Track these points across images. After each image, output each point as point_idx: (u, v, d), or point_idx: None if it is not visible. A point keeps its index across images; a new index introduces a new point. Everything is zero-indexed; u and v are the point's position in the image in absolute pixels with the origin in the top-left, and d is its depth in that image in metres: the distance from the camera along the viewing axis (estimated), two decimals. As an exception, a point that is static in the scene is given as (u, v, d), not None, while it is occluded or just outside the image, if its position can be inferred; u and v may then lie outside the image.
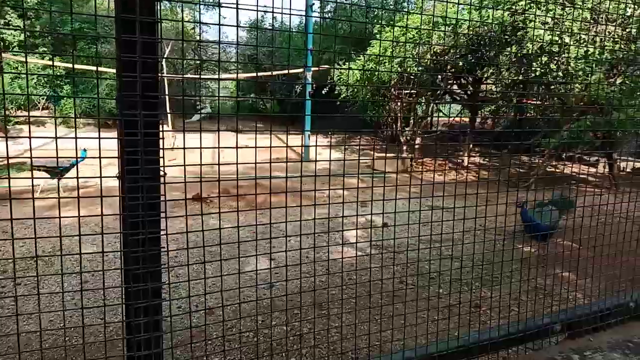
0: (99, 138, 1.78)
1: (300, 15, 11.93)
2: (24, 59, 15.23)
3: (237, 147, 1.95)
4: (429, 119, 14.24)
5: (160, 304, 1.80)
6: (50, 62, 12.79)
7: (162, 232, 1.73)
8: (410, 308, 3.40)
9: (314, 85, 14.44)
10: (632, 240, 3.50)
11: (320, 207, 2.46)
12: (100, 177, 1.56)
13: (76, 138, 1.60)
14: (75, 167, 7.65)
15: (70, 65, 9.85)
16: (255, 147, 2.06)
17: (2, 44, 16.63)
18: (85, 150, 6.83)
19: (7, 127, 15.46)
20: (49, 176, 8.15)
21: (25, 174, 7.62)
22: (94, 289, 4.10)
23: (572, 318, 3.19)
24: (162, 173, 1.61)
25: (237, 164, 2.08)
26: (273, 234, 2.36)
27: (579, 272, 3.92)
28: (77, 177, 1.61)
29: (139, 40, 1.46)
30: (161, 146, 1.58)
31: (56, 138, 1.60)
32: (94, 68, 1.99)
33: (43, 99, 19.00)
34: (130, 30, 1.46)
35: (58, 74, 15.49)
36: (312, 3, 13.31)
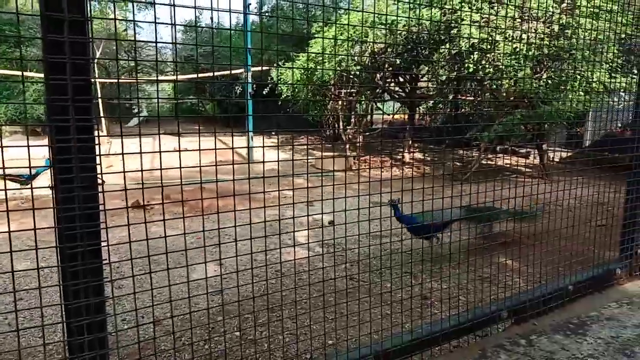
0: (27, 146, 1.65)
1: (238, 12, 11.74)
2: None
3: (179, 150, 1.87)
4: (369, 117, 14.47)
5: (105, 319, 1.69)
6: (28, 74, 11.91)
7: (102, 244, 1.63)
8: (363, 305, 3.43)
9: (254, 86, 14.30)
10: (568, 227, 3.70)
11: (268, 209, 2.41)
12: (32, 187, 1.44)
13: (1, 147, 1.46)
14: (33, 176, 7.29)
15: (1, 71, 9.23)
16: (200, 149, 1.99)
17: None
18: (48, 159, 6.44)
19: None
20: (18, 185, 7.72)
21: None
22: (29, 308, 3.85)
23: (517, 304, 3.33)
24: (100, 181, 1.51)
25: (180, 168, 2.00)
26: (221, 239, 2.30)
27: (521, 259, 4.10)
28: (5, 189, 1.48)
29: (67, 40, 1.36)
30: (97, 153, 1.48)
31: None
32: (19, 72, 1.85)
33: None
34: (58, 30, 1.35)
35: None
36: (249, 3, 13.17)
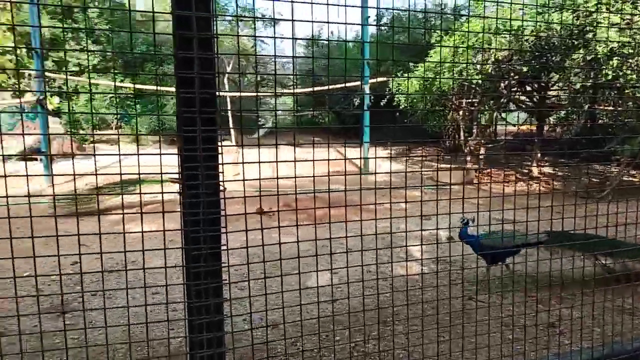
0: (160, 154, 1.81)
1: (357, 24, 11.92)
2: (97, 82, 16.22)
3: (294, 161, 1.92)
4: (492, 128, 13.74)
5: (222, 320, 1.78)
6: (121, 84, 13.58)
7: (222, 247, 1.72)
8: (481, 328, 3.22)
9: (372, 97, 14.37)
10: None
11: (382, 221, 2.37)
12: (162, 192, 1.57)
13: (138, 154, 1.62)
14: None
15: (139, 86, 10.36)
16: (314, 159, 2.01)
17: (78, 67, 17.84)
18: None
19: (83, 145, 16.49)
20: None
21: (156, 187, 7.95)
22: (159, 303, 4.20)
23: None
24: (222, 188, 1.60)
25: (294, 177, 2.04)
26: (334, 249, 2.31)
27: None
28: (140, 193, 1.63)
29: (196, 56, 1.46)
30: (221, 161, 1.57)
31: (121, 155, 1.63)
32: (158, 87, 2.03)
33: (116, 118, 20.14)
34: (188, 47, 1.46)
35: (127, 94, 16.36)
36: (368, 15, 13.31)
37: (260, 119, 18.86)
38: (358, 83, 12.67)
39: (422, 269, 5.17)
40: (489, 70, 10.53)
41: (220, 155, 1.56)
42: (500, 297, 4.16)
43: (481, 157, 12.83)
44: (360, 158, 12.46)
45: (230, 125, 15.52)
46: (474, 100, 12.04)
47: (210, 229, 1.60)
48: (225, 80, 17.88)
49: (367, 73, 12.05)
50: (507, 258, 4.59)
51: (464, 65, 8.96)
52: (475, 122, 12.99)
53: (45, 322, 3.94)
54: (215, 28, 1.50)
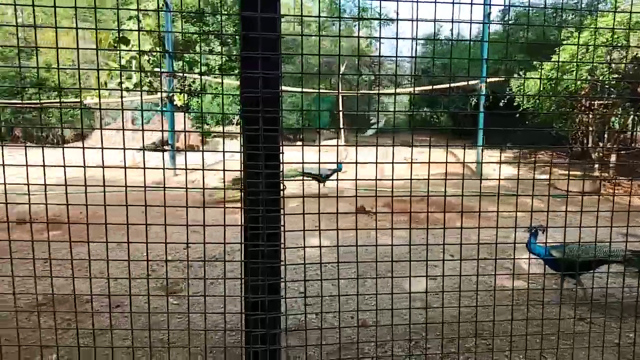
0: (241, 152, 1.87)
1: (478, 23, 11.35)
2: (219, 81, 17.24)
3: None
4: (628, 133, 12.26)
5: (279, 317, 1.80)
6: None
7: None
8: (593, 353, 2.88)
9: (490, 97, 13.60)
10: None
11: (491, 230, 2.21)
12: (225, 188, 1.62)
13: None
14: (336, 173, 8.60)
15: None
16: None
17: (206, 68, 19.28)
18: (341, 162, 7.55)
19: (207, 139, 17.80)
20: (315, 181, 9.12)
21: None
22: (214, 295, 4.36)
23: None
24: (282, 187, 1.62)
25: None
26: (434, 254, 2.22)
27: None
28: (203, 188, 1.71)
29: (260, 56, 1.49)
30: (281, 160, 1.59)
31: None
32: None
33: (237, 115, 21.47)
34: (253, 47, 1.49)
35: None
36: (489, 12, 12.59)
37: (371, 117, 18.84)
38: (476, 82, 12.08)
39: (528, 284, 4.77)
40: (626, 70, 9.41)
41: (281, 155, 1.58)
42: (619, 320, 3.69)
43: (611, 165, 11.51)
44: (476, 162, 11.89)
45: (341, 124, 15.71)
46: (606, 102, 10.83)
47: (270, 227, 1.62)
48: (340, 80, 18.13)
49: (484, 72, 11.43)
50: (582, 274, 4.12)
51: (595, 64, 8.09)
52: (607, 127, 11.68)
53: (155, 301, 4.30)
54: (280, 29, 1.51)
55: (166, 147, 13.67)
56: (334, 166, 8.84)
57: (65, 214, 2.09)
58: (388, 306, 3.55)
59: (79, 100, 10.97)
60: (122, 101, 2.99)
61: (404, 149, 2.46)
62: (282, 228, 1.63)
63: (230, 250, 5.50)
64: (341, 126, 15.46)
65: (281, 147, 1.56)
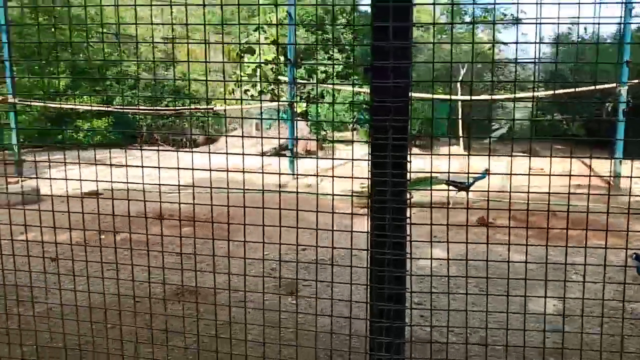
0: (369, 160, 1.90)
1: (616, 23, 10.26)
2: (339, 87, 17.58)
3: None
4: None
5: (403, 327, 1.78)
6: (359, 89, 14.55)
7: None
8: None
9: (630, 102, 12.21)
10: None
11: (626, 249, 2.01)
12: (352, 195, 1.65)
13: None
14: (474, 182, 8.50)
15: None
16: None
17: (325, 75, 19.80)
18: (486, 170, 7.35)
19: (323, 146, 18.26)
20: (455, 190, 9.06)
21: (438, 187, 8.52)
22: (340, 299, 4.37)
23: None
24: (408, 195, 1.61)
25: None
26: (560, 273, 2.06)
27: None
28: (332, 195, 1.76)
29: (391, 66, 1.50)
30: (408, 169, 1.58)
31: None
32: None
33: (352, 121, 21.71)
34: (384, 57, 1.51)
35: (363, 99, 17.42)
36: (632, 7, 11.30)
37: (493, 123, 17.92)
38: (613, 85, 10.93)
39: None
40: None
41: (409, 163, 1.57)
42: None
43: None
44: (611, 176, 10.80)
45: (460, 131, 15.16)
46: None
47: (396, 235, 1.62)
48: (459, 85, 17.55)
49: (625, 77, 10.32)
50: None
51: None
52: None
53: (275, 300, 4.50)
54: (411, 36, 1.50)
55: (286, 152, 14.27)
56: (470, 176, 8.47)
57: (196, 212, 2.28)
58: (513, 326, 3.34)
59: (210, 107, 11.92)
60: (241, 110, 3.19)
61: (522, 159, 2.33)
62: (407, 237, 1.62)
63: (339, 256, 5.56)
64: (460, 134, 14.92)
65: (409, 156, 1.55)
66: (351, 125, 21.40)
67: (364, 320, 1.77)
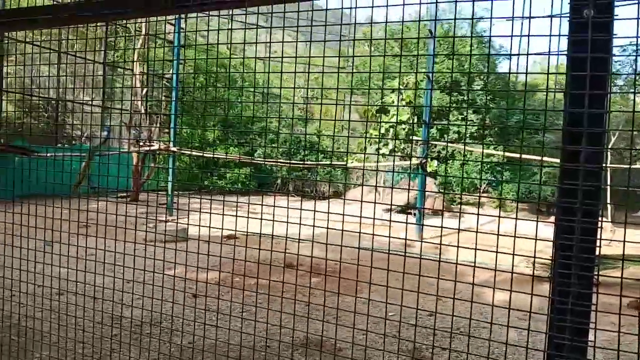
0: (537, 221, 1.78)
1: None
2: (471, 149, 17.15)
3: None
4: None
5: None
6: (492, 151, 14.07)
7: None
8: None
9: None
10: None
11: None
12: (531, 259, 1.52)
13: (516, 219, 1.66)
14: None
15: (510, 154, 10.46)
16: None
17: (457, 135, 19.47)
18: None
19: (451, 205, 17.69)
20: None
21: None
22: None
23: None
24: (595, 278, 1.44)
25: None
26: None
27: None
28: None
29: (585, 132, 1.40)
30: (598, 236, 1.44)
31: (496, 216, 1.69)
32: (538, 157, 2.03)
33: (485, 182, 20.90)
34: (577, 124, 1.43)
35: (498, 161, 16.74)
36: None
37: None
38: None
39: None
40: None
41: (599, 230, 1.42)
42: None
43: None
44: None
45: (608, 200, 13.75)
46: None
47: (577, 321, 1.44)
48: (609, 152, 16.08)
49: None
50: None
51: None
52: None
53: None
54: (609, 102, 1.40)
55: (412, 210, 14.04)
56: None
57: (322, 264, 2.29)
58: None
59: (342, 163, 12.35)
60: (377, 165, 3.21)
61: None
62: (591, 325, 1.44)
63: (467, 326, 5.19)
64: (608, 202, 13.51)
65: (599, 229, 1.40)
66: (485, 186, 20.57)
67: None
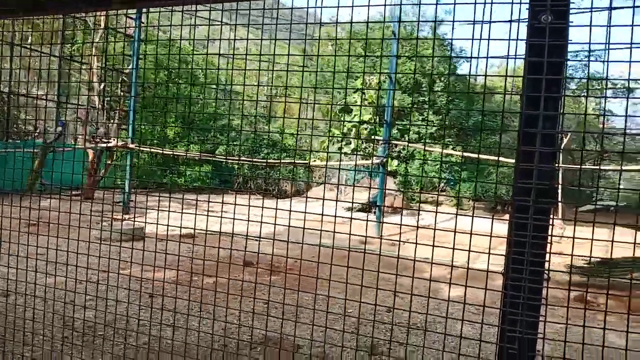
0: (492, 219, 1.82)
1: None
2: (430, 149, 17.54)
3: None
4: None
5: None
6: (451, 151, 14.39)
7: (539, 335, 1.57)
8: None
9: None
10: None
11: None
12: (489, 256, 1.56)
13: (473, 217, 1.69)
14: None
15: (467, 154, 10.73)
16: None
17: (417, 135, 19.83)
18: None
19: (411, 204, 17.99)
20: None
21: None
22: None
23: None
24: (545, 274, 1.49)
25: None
26: None
27: None
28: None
29: (539, 133, 1.45)
30: (549, 233, 1.49)
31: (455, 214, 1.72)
32: (494, 157, 2.08)
33: (443, 182, 21.36)
34: (533, 124, 1.48)
35: (456, 161, 17.18)
36: None
37: (594, 193, 16.78)
38: None
39: None
40: None
41: (550, 227, 1.48)
42: None
43: None
44: None
45: (559, 198, 14.33)
46: None
47: (529, 313, 1.49)
48: (560, 154, 16.77)
49: None
50: None
51: None
52: None
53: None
54: (563, 106, 1.45)
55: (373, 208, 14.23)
56: None
57: (280, 262, 2.29)
58: None
59: (303, 161, 12.35)
60: (340, 165, 3.23)
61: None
62: (541, 318, 1.49)
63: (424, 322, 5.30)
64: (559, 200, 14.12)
65: (550, 230, 1.45)
66: (442, 185, 21.00)
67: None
